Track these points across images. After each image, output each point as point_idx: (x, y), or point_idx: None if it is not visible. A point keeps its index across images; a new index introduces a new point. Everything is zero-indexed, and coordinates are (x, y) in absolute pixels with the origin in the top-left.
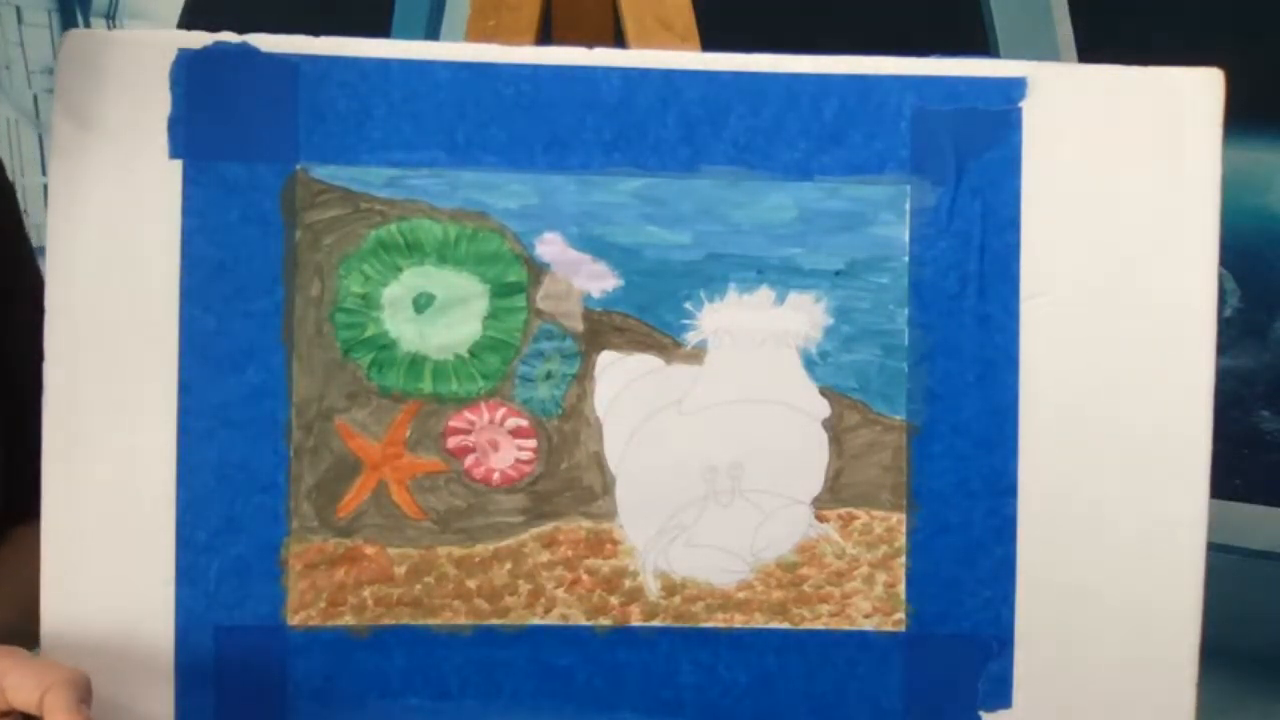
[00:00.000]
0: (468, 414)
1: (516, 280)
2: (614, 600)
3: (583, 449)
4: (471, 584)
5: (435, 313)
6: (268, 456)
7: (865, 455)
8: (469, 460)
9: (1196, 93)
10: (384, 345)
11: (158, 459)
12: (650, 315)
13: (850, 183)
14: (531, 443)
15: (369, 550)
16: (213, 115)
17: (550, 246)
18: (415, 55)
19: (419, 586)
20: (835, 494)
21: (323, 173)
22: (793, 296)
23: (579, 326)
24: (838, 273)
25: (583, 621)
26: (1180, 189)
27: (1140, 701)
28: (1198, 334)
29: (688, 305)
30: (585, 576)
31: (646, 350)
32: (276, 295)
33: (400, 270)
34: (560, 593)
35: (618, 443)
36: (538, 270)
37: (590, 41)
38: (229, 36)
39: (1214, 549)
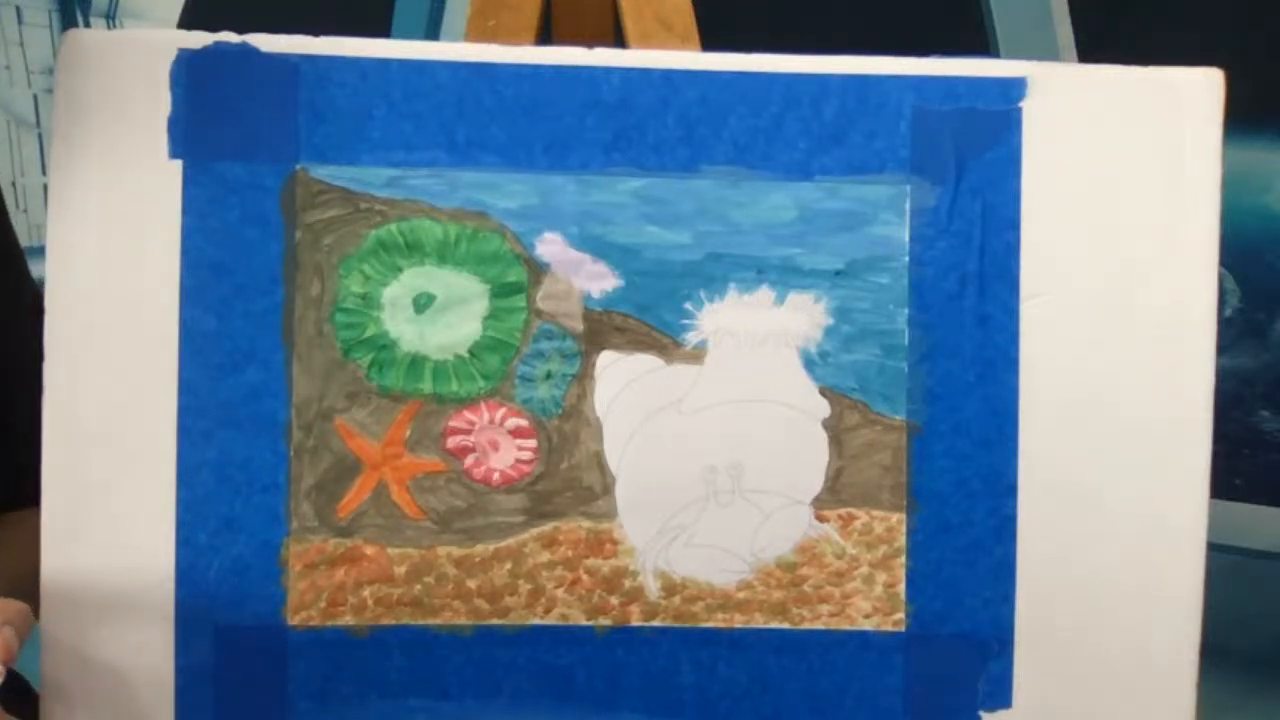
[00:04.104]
0: (468, 414)
1: (516, 280)
2: (614, 600)
3: (583, 449)
4: (471, 584)
5: (435, 313)
6: (268, 456)
7: (865, 455)
8: (469, 460)
9: (1196, 93)
10: (384, 345)
11: (158, 459)
12: (650, 315)
13: (850, 183)
14: (531, 443)
15: (369, 550)
16: (213, 115)
17: (550, 246)
18: (415, 55)
19: (419, 586)
20: (835, 494)
21: (323, 173)
22: (793, 296)
23: (579, 326)
24: (838, 273)
25: (583, 621)
26: (1180, 189)
27: (1140, 702)
28: (1198, 334)
29: (688, 305)
30: (585, 576)
31: (646, 350)
32: (276, 295)
33: (400, 270)
34: (560, 593)
35: (618, 443)
36: (538, 270)
37: (590, 41)
38: (229, 36)
39: (1214, 549)
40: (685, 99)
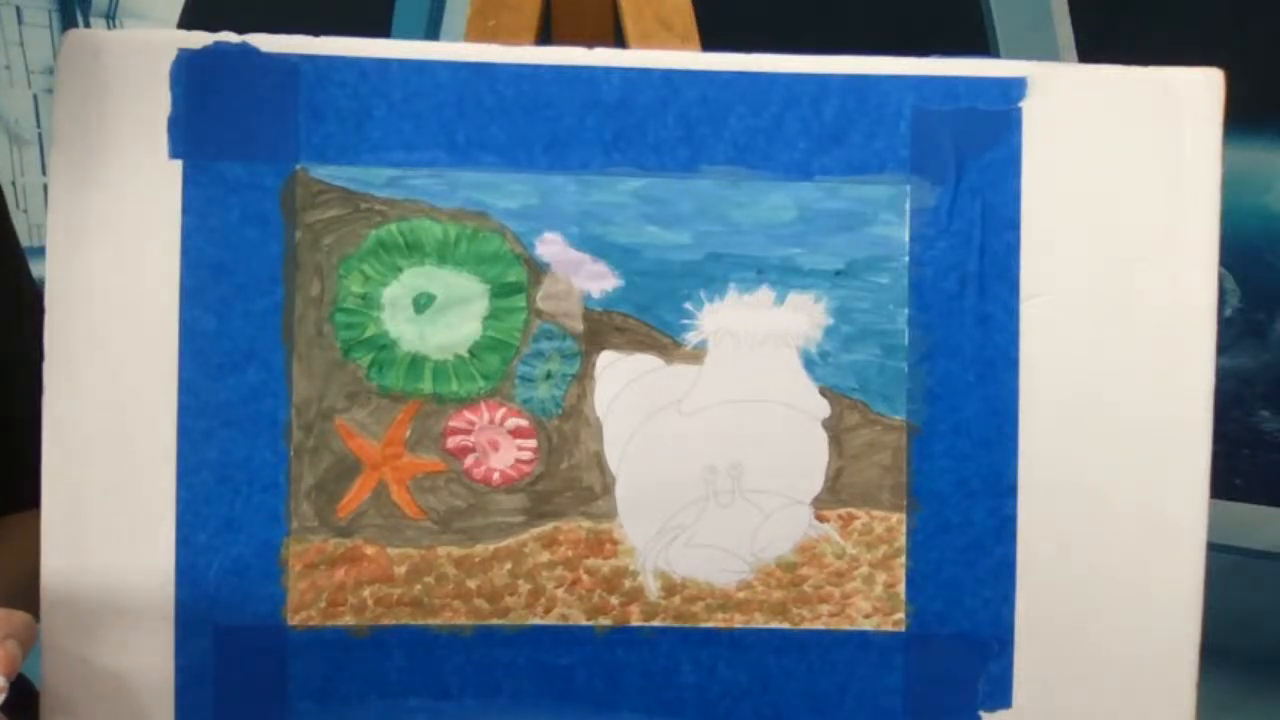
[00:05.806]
0: (468, 414)
1: (516, 280)
2: (614, 600)
3: (583, 449)
4: (471, 584)
5: (435, 313)
6: (268, 456)
7: (865, 455)
8: (469, 460)
9: (1196, 93)
10: (384, 345)
11: (158, 459)
12: (650, 315)
13: (850, 183)
14: (531, 443)
15: (369, 550)
16: (213, 115)
17: (550, 246)
18: (415, 55)
19: (419, 586)
20: (835, 494)
21: (323, 173)
22: (793, 296)
23: (579, 326)
24: (838, 273)
25: (583, 621)
26: (1180, 189)
27: (1140, 701)
28: (1198, 334)
29: (688, 305)
30: (585, 576)
31: (646, 350)
32: (276, 295)
33: (400, 270)
34: (560, 593)
35: (618, 443)
36: (538, 270)
37: (590, 41)
38: (229, 36)
39: (1214, 549)
40: (685, 99)
